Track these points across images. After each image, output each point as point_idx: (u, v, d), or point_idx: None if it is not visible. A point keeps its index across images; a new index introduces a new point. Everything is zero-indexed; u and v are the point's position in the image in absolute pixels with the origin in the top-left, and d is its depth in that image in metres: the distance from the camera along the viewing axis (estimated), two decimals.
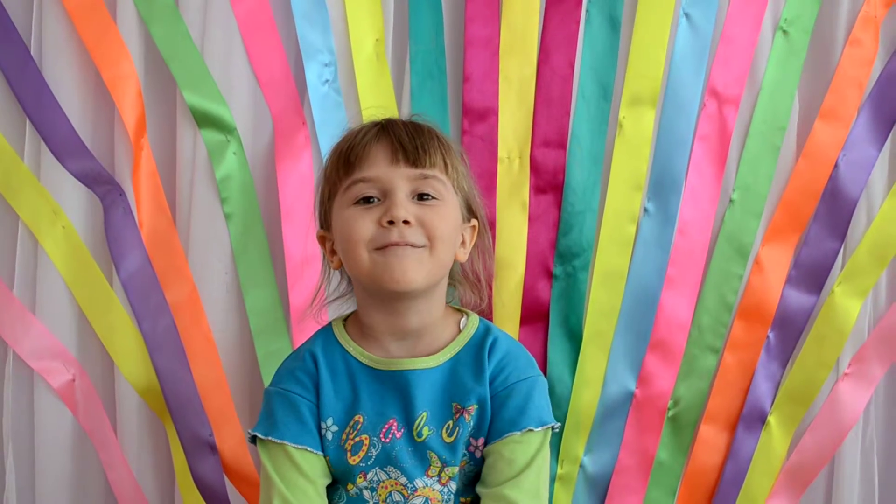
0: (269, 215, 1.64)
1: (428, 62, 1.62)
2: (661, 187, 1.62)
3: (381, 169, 1.16)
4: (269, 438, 1.19)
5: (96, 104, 1.63)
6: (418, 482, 1.19)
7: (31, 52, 1.61)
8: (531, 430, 1.19)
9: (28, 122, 1.62)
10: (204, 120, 1.60)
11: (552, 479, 1.62)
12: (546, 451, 1.21)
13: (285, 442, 1.19)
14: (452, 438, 1.19)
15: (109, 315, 1.63)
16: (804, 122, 1.65)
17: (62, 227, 1.61)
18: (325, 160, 1.24)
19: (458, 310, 1.27)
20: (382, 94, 1.62)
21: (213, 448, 1.61)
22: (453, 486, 1.20)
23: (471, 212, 1.24)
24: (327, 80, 1.62)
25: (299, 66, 1.62)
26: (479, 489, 1.19)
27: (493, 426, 1.19)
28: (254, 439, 1.22)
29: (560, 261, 1.62)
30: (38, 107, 1.61)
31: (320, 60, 1.62)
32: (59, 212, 1.62)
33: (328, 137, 1.61)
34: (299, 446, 1.19)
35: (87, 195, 1.63)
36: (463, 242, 1.23)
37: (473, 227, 1.25)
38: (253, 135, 1.63)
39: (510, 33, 1.62)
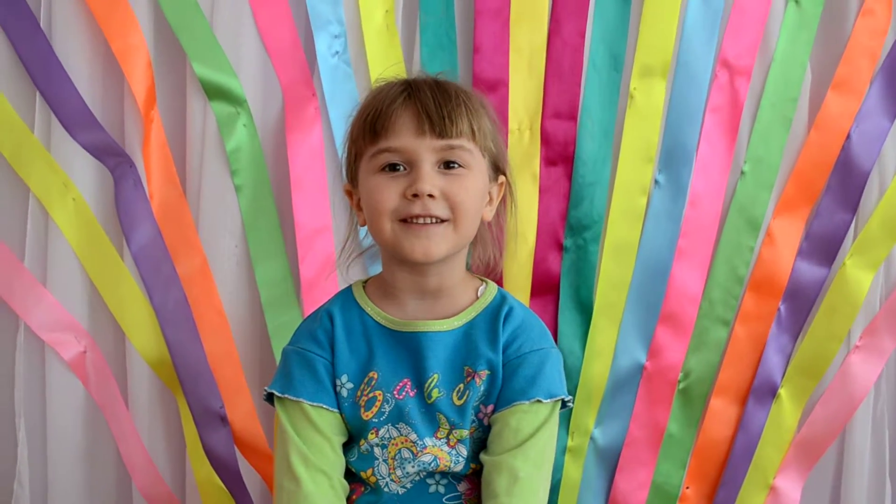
0: (279, 187, 1.63)
1: (438, 33, 1.61)
2: (673, 159, 1.62)
3: (407, 139, 1.16)
4: (286, 396, 1.21)
5: (106, 76, 1.62)
6: (427, 441, 1.20)
7: (41, 25, 1.61)
8: (539, 401, 1.19)
9: (38, 94, 1.61)
10: (214, 92, 1.59)
11: (562, 451, 1.63)
12: (553, 424, 1.21)
13: (302, 399, 1.20)
14: (462, 402, 1.19)
15: (120, 287, 1.64)
16: (816, 93, 1.64)
17: (73, 199, 1.62)
18: (350, 118, 1.23)
19: (479, 277, 1.27)
20: (392, 66, 1.60)
21: (223, 420, 1.62)
22: (462, 449, 1.20)
23: (498, 168, 1.24)
24: (337, 52, 1.62)
25: (309, 37, 1.61)
26: (483, 456, 1.20)
27: (503, 394, 1.20)
28: (270, 397, 1.23)
29: (571, 233, 1.62)
30: (47, 79, 1.60)
31: (330, 31, 1.61)
32: (70, 184, 1.62)
33: (338, 109, 1.61)
34: (315, 404, 1.20)
35: (98, 167, 1.63)
36: (490, 201, 1.24)
37: (501, 183, 1.25)
38: (263, 106, 1.63)
39: (520, 3, 1.61)
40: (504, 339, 1.21)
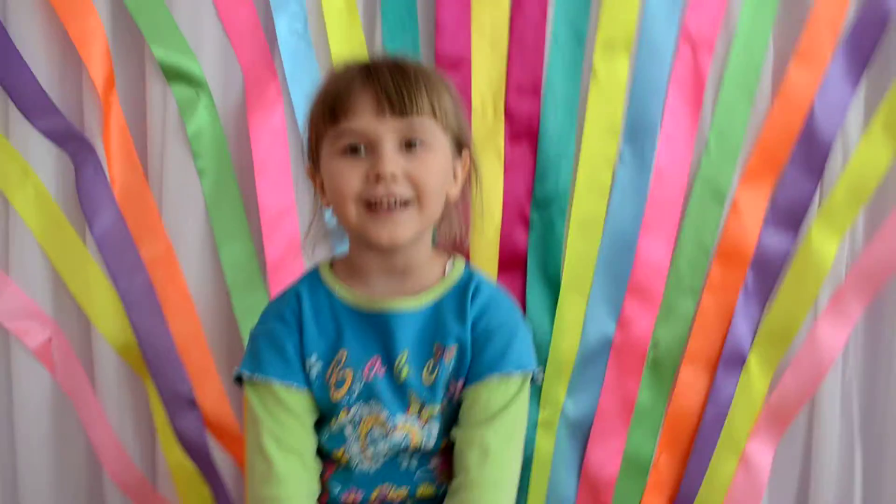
0: (242, 169, 1.62)
1: (399, 11, 1.60)
2: (637, 133, 1.62)
3: (367, 120, 1.14)
4: (255, 377, 1.20)
5: (64, 60, 1.61)
6: (399, 418, 1.20)
7: None
8: (509, 375, 1.19)
9: None
10: (173, 74, 1.58)
11: (534, 425, 1.63)
12: (524, 398, 1.21)
13: (271, 379, 1.19)
14: (432, 379, 1.20)
15: (84, 273, 1.62)
16: (779, 65, 1.64)
17: (33, 185, 1.60)
18: (310, 102, 1.22)
19: (446, 254, 1.27)
20: (354, 45, 1.60)
21: (193, 403, 1.61)
22: (434, 426, 1.21)
23: (461, 145, 1.23)
24: (297, 32, 1.60)
25: (269, 17, 1.60)
26: (454, 431, 1.20)
27: (472, 368, 1.20)
28: (239, 379, 1.23)
29: (536, 207, 1.62)
30: (4, 65, 1.59)
31: (290, 11, 1.60)
32: (29, 171, 1.60)
33: (300, 89, 1.60)
34: (285, 383, 1.19)
35: (58, 153, 1.62)
36: (455, 178, 1.23)
37: (465, 160, 1.24)
38: (223, 88, 1.62)
39: None
40: (473, 314, 1.21)
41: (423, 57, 1.61)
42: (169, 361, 1.60)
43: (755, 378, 1.64)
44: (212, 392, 1.62)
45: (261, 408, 1.19)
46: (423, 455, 1.23)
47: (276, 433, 1.18)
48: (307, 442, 1.21)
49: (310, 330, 1.21)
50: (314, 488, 1.21)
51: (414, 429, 1.20)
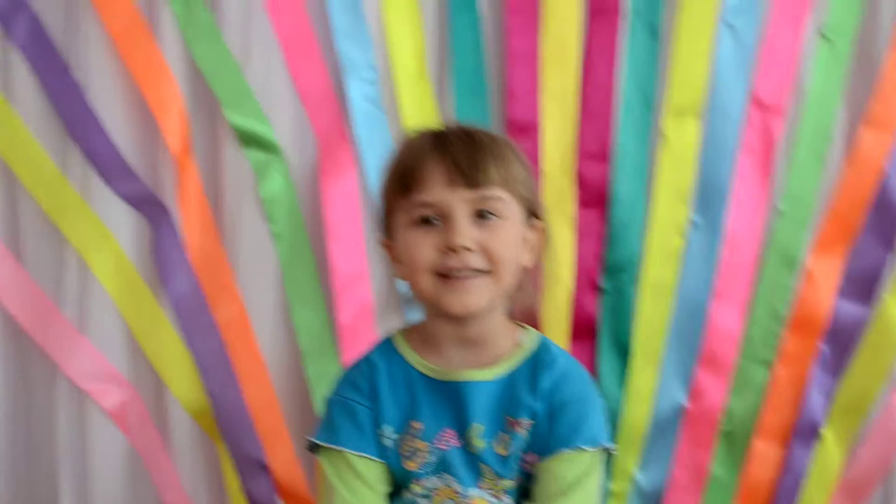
0: (314, 234, 1.64)
1: (470, 77, 1.62)
2: (708, 198, 1.61)
3: (439, 192, 1.15)
4: (330, 445, 1.20)
5: (141, 126, 1.64)
6: (472, 491, 1.19)
7: (76, 77, 1.62)
8: (583, 449, 1.18)
9: (74, 145, 1.63)
10: (248, 139, 1.61)
11: (605, 496, 1.62)
12: (598, 472, 1.20)
13: (345, 449, 1.19)
14: (506, 452, 1.19)
15: (159, 336, 1.64)
16: (851, 129, 1.63)
17: (110, 248, 1.63)
18: (383, 174, 1.23)
19: (518, 324, 1.26)
20: (425, 110, 1.62)
21: (265, 468, 1.62)
22: (508, 499, 1.20)
23: (533, 213, 1.23)
24: (370, 97, 1.62)
25: (341, 83, 1.62)
26: None
27: (546, 443, 1.19)
28: (313, 447, 1.23)
29: (607, 274, 1.62)
30: (83, 130, 1.63)
31: (362, 77, 1.62)
32: (108, 234, 1.63)
33: (372, 154, 1.62)
34: (359, 453, 1.19)
35: (135, 217, 1.65)
36: (527, 245, 1.22)
37: (537, 228, 1.24)
38: (297, 153, 1.64)
39: (552, 45, 1.62)
40: (547, 386, 1.20)
41: (493, 122, 1.63)
42: (241, 425, 1.61)
43: (830, 451, 1.62)
44: (283, 456, 1.62)
45: (335, 477, 1.19)
46: None
47: (350, 501, 1.18)
48: None
49: (385, 400, 1.21)
50: None
51: (487, 501, 1.19)
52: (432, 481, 1.20)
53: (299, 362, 1.64)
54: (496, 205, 1.16)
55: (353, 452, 1.19)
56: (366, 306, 1.62)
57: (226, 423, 1.61)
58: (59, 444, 1.66)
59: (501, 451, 1.19)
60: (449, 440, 1.19)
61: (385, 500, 1.21)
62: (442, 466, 1.19)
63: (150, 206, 1.63)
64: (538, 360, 1.21)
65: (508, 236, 1.17)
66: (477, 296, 1.15)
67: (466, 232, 1.14)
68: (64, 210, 1.64)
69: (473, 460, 1.19)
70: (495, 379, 1.20)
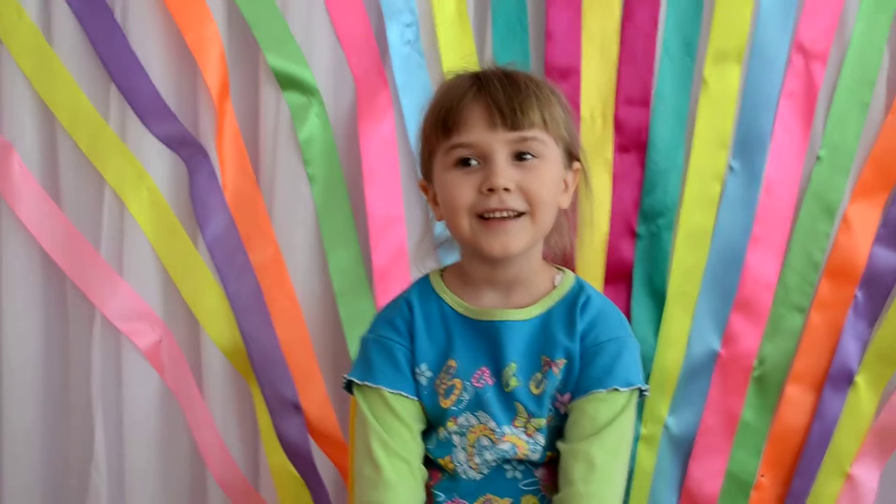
0: (351, 176, 1.64)
1: (510, 20, 1.61)
2: (747, 145, 1.60)
3: (479, 133, 1.15)
4: (366, 383, 1.21)
5: (180, 68, 1.64)
6: (506, 429, 1.20)
7: (116, 18, 1.63)
8: (617, 390, 1.18)
9: (113, 86, 1.64)
10: (286, 82, 1.61)
11: (636, 440, 1.62)
12: (631, 414, 1.20)
13: (381, 387, 1.20)
14: (540, 391, 1.19)
15: (195, 277, 1.66)
16: (894, 76, 1.60)
17: (147, 189, 1.64)
18: (423, 116, 1.23)
19: (555, 266, 1.27)
20: (464, 54, 1.61)
21: (297, 408, 1.63)
22: (540, 438, 1.20)
23: (572, 156, 1.23)
24: (409, 41, 1.62)
25: (381, 26, 1.62)
26: (559, 444, 1.19)
27: (580, 383, 1.19)
28: (349, 385, 1.24)
29: (644, 220, 1.61)
30: (123, 71, 1.63)
31: (402, 20, 1.62)
32: (145, 174, 1.64)
33: (411, 98, 1.62)
34: (395, 391, 1.20)
35: (172, 158, 1.65)
36: (566, 188, 1.23)
37: (576, 170, 1.24)
38: (335, 96, 1.64)
39: None
40: (581, 327, 1.20)
41: (533, 66, 1.62)
42: (275, 365, 1.62)
43: (863, 398, 1.61)
44: (316, 397, 1.64)
45: (370, 414, 1.20)
46: (528, 466, 1.22)
47: (384, 439, 1.19)
48: (415, 449, 1.21)
49: (421, 338, 1.22)
50: (420, 495, 1.21)
51: (521, 440, 1.20)
52: (467, 418, 1.21)
53: (333, 304, 1.64)
54: (536, 146, 1.17)
55: (389, 390, 1.20)
56: (401, 248, 1.62)
57: (259, 363, 1.63)
58: (95, 383, 1.68)
59: (535, 391, 1.20)
60: (485, 378, 1.20)
61: (419, 438, 1.22)
62: (477, 404, 1.20)
63: (187, 148, 1.64)
64: (574, 302, 1.22)
65: (547, 177, 1.18)
66: (516, 238, 1.16)
67: (506, 173, 1.15)
68: (102, 151, 1.65)
69: (508, 399, 1.20)
70: (531, 319, 1.21)
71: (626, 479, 1.19)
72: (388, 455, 1.18)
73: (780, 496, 1.64)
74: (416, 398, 1.21)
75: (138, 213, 1.64)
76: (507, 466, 1.22)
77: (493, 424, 1.20)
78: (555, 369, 1.19)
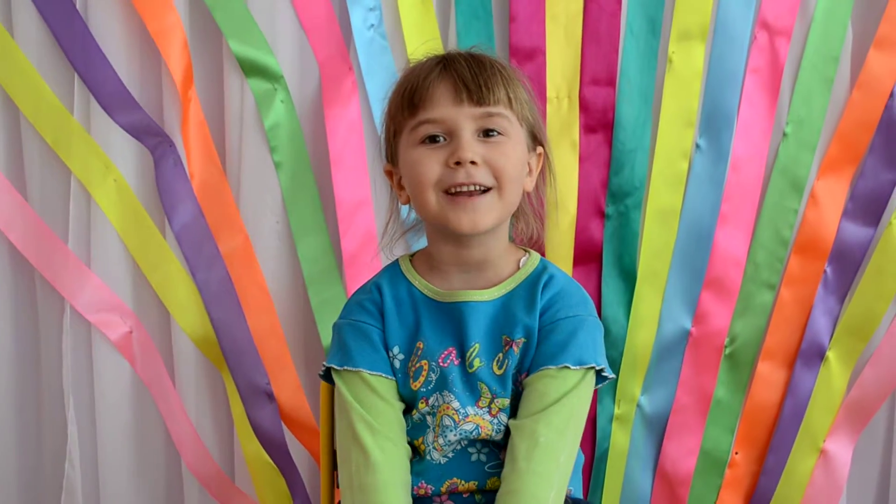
0: (318, 162, 1.64)
1: (473, 3, 1.60)
2: (713, 123, 1.60)
3: (446, 109, 1.16)
4: (345, 368, 1.21)
5: (143, 57, 1.63)
6: (469, 409, 1.19)
7: (77, 7, 1.61)
8: (567, 367, 1.16)
9: (76, 77, 1.62)
10: (250, 69, 1.60)
11: (609, 420, 1.63)
12: (583, 393, 1.18)
13: (361, 369, 1.20)
14: (502, 371, 1.19)
15: (164, 267, 1.65)
16: (858, 52, 1.61)
17: (114, 180, 1.63)
18: (387, 96, 1.23)
19: (522, 248, 1.27)
20: (428, 38, 1.59)
21: (270, 396, 1.63)
22: (504, 418, 1.20)
23: (536, 139, 1.23)
24: (372, 25, 1.61)
25: (344, 11, 1.61)
26: (509, 421, 1.19)
27: (534, 359, 1.18)
28: (326, 374, 1.24)
29: (612, 200, 1.61)
30: (85, 61, 1.62)
31: (365, 5, 1.61)
32: (111, 165, 1.63)
33: (375, 83, 1.61)
34: (374, 372, 1.20)
35: (138, 148, 1.64)
36: (530, 171, 1.23)
37: (539, 154, 1.24)
38: (300, 82, 1.63)
39: None
40: (541, 305, 1.20)
41: (498, 48, 1.61)
42: (246, 354, 1.62)
43: (834, 373, 1.62)
44: (288, 385, 1.63)
45: (352, 397, 1.19)
46: (492, 449, 1.22)
47: (368, 421, 1.18)
48: (399, 427, 1.20)
49: (391, 322, 1.22)
50: (408, 470, 1.21)
51: (484, 420, 1.19)
52: (436, 398, 1.20)
53: (303, 291, 1.64)
54: (501, 122, 1.17)
55: (368, 372, 1.20)
56: (370, 233, 1.62)
57: (231, 352, 1.62)
58: (67, 376, 1.68)
59: (498, 371, 1.19)
60: (451, 359, 1.20)
61: (401, 416, 1.21)
62: (442, 384, 1.20)
63: (152, 137, 1.63)
64: (537, 280, 1.22)
65: (512, 154, 1.18)
66: (483, 213, 1.16)
67: (472, 146, 1.15)
68: (67, 142, 1.64)
69: (471, 379, 1.20)
70: (493, 300, 1.21)
71: (573, 458, 1.17)
72: (375, 437, 1.17)
73: (755, 473, 1.65)
74: (393, 378, 1.21)
75: (105, 204, 1.63)
76: (471, 450, 1.22)
77: (456, 405, 1.19)
78: (515, 348, 1.19)
